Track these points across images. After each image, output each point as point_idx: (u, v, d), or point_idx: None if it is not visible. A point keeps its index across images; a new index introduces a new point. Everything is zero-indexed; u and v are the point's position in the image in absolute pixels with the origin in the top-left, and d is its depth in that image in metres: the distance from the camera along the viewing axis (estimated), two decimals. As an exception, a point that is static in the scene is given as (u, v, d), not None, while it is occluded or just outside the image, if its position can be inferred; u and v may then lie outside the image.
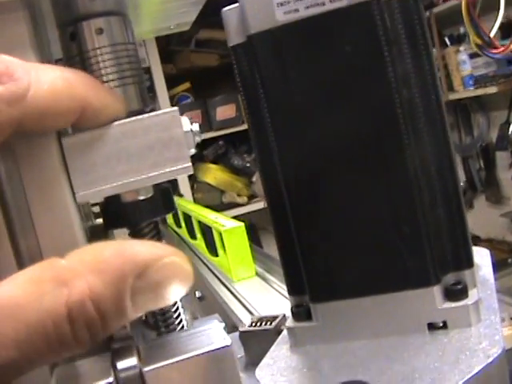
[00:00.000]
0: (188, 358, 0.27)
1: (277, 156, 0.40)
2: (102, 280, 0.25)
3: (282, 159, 0.40)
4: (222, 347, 0.27)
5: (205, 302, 1.11)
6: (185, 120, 0.33)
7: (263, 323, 0.55)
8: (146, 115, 0.32)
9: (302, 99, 0.39)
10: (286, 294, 0.92)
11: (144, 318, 0.36)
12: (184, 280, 0.27)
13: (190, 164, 0.32)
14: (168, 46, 3.35)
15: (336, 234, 0.40)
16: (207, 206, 1.57)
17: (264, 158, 0.41)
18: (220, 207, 3.12)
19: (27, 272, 0.26)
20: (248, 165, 3.39)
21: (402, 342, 0.38)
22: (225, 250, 1.08)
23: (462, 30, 3.01)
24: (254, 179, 3.39)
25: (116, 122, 0.32)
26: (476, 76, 2.95)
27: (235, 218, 1.19)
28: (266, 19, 0.38)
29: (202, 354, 0.27)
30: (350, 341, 0.40)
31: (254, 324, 0.55)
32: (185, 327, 0.37)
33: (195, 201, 3.11)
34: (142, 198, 0.34)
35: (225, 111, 3.36)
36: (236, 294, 1.00)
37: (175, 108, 0.33)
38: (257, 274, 1.08)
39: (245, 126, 3.28)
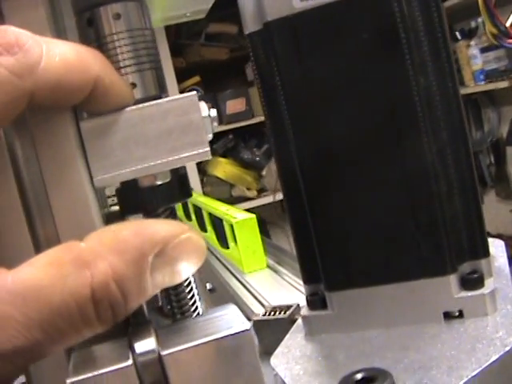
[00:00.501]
0: (207, 342, 0.27)
1: (293, 144, 0.40)
2: (123, 260, 0.26)
3: (298, 147, 0.40)
4: (242, 331, 0.27)
5: (216, 294, 1.11)
6: (203, 105, 0.33)
7: (277, 313, 0.55)
8: (164, 99, 0.32)
9: (318, 87, 0.39)
10: (298, 285, 0.92)
11: (159, 305, 0.36)
12: (199, 254, 0.29)
13: (209, 149, 0.32)
14: (178, 39, 3.34)
15: (352, 222, 0.40)
16: (217, 200, 1.57)
17: (280, 146, 0.41)
18: (229, 201, 3.11)
19: (47, 255, 0.26)
20: (257, 159, 3.39)
21: (417, 331, 0.38)
22: (236, 241, 1.08)
23: (473, 24, 2.99)
24: (263, 173, 3.39)
25: (134, 106, 0.32)
26: (487, 70, 2.93)
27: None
28: (283, 6, 0.38)
29: (222, 337, 0.27)
30: (365, 329, 0.40)
31: (267, 313, 0.55)
32: (200, 314, 0.37)
33: (205, 194, 3.11)
34: (159, 182, 0.34)
35: (235, 105, 3.36)
36: (247, 285, 1.00)
37: (193, 92, 0.32)
38: (268, 265, 1.08)
39: (255, 120, 3.28)
